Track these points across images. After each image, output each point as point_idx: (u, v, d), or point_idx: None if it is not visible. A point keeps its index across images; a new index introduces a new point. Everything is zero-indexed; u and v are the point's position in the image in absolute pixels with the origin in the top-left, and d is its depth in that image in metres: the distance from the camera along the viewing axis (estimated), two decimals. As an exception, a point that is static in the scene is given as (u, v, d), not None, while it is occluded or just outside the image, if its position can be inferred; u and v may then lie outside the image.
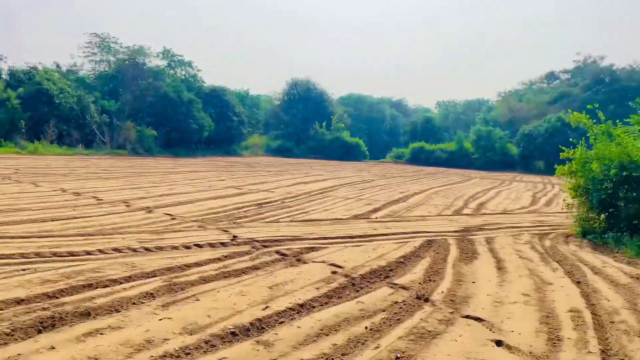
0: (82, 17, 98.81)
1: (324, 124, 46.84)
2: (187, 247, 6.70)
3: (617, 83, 46.64)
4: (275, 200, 12.40)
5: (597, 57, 52.16)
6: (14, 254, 5.73)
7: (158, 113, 35.98)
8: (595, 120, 9.74)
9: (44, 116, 28.98)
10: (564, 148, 9.79)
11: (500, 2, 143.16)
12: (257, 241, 7.31)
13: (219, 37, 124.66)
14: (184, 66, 43.82)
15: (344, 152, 45.26)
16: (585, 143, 9.69)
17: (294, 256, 6.59)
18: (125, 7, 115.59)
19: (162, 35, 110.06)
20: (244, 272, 5.67)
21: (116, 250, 6.29)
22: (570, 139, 10.06)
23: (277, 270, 5.85)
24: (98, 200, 10.68)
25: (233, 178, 18.66)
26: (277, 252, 6.77)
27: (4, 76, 31.15)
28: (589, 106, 9.89)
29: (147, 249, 6.45)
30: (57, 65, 37.92)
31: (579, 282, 5.96)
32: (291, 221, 9.53)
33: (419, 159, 43.89)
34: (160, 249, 6.53)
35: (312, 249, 7.05)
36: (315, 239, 7.84)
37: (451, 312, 4.62)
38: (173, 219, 8.97)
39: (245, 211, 10.36)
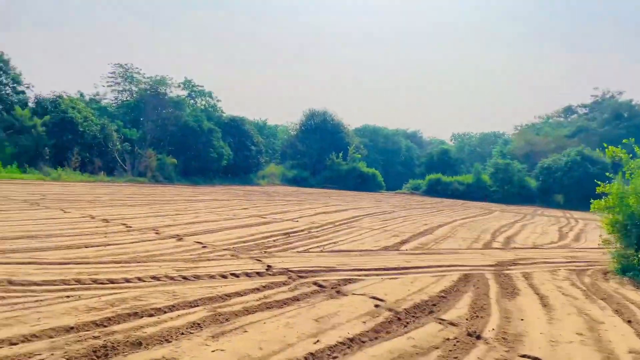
0: (104, 48, 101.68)
1: (340, 154, 46.95)
2: (224, 277, 6.63)
3: (636, 118, 46.44)
4: (302, 230, 12.31)
5: (616, 92, 52.41)
6: (55, 280, 5.72)
7: (178, 142, 36.44)
8: (631, 155, 9.59)
9: (68, 143, 29.51)
10: (599, 182, 9.62)
11: (512, 38, 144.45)
12: (292, 271, 7.21)
13: (239, 69, 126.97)
14: (204, 96, 44.65)
15: (360, 183, 45.13)
16: (622, 177, 9.52)
17: (332, 288, 6.48)
18: (146, 39, 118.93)
19: (183, 66, 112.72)
20: (285, 304, 5.57)
21: (154, 278, 6.24)
22: (607, 174, 9.90)
23: (318, 302, 5.73)
24: (127, 227, 10.68)
25: (255, 207, 18.63)
26: (315, 283, 6.66)
27: (30, 104, 31.86)
28: (624, 140, 9.73)
29: (184, 278, 6.39)
30: (81, 94, 38.91)
31: (629, 322, 5.75)
32: (321, 251, 9.42)
33: (436, 190, 43.55)
34: (197, 277, 6.47)
35: (350, 281, 6.93)
36: (350, 270, 7.71)
37: (507, 351, 4.45)
38: (204, 247, 8.92)
39: (274, 240, 10.28)
